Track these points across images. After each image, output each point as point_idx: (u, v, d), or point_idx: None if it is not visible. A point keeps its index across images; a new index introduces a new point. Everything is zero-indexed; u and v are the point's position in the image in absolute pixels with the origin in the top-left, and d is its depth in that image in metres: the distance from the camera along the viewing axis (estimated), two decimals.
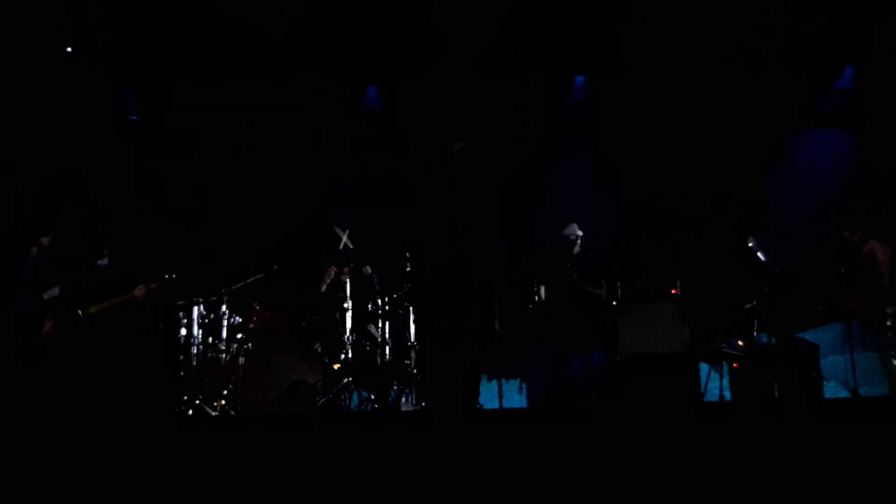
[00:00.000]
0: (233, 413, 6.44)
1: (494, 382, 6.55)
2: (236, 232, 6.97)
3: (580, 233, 6.17)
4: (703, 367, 6.75)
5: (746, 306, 6.31)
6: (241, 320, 6.86)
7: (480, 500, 1.92)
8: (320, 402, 6.27)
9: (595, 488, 1.91)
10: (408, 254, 5.81)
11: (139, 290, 5.52)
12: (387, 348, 6.57)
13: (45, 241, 5.45)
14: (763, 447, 1.98)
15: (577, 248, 6.08)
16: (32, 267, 5.37)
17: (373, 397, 6.20)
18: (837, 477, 1.92)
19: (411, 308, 5.63)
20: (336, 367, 6.64)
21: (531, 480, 1.94)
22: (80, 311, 5.33)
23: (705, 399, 6.46)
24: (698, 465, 1.93)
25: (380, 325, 6.62)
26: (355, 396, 6.29)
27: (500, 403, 6.51)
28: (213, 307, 6.75)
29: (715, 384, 6.62)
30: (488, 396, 6.97)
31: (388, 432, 2.10)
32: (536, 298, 6.15)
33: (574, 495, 1.91)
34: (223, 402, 6.39)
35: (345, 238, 6.67)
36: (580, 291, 5.81)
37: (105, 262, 5.56)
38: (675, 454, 1.95)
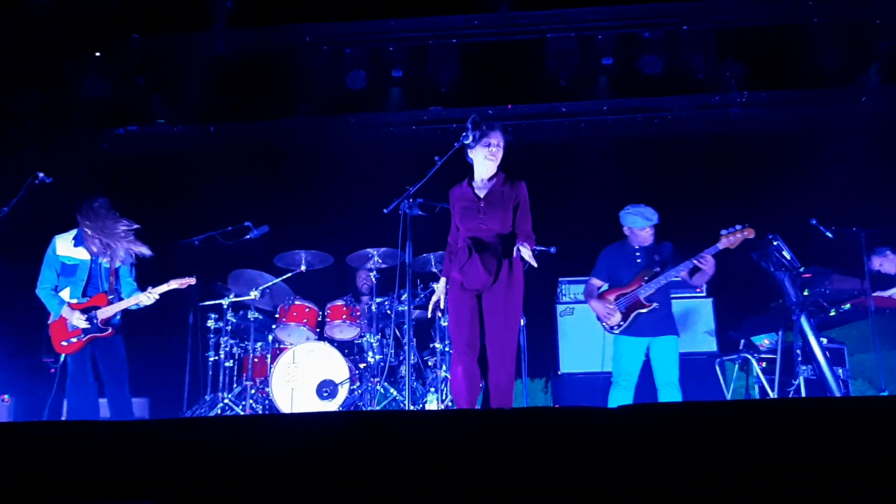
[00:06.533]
0: (259, 410, 6.53)
1: (519, 382, 6.57)
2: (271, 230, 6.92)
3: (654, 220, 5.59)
4: (729, 366, 6.72)
5: (773, 304, 6.26)
6: (268, 318, 6.94)
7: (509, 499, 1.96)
8: (346, 400, 6.33)
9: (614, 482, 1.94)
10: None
11: (146, 295, 5.45)
12: (413, 347, 6.59)
13: (59, 238, 5.51)
14: (788, 447, 1.99)
15: (649, 238, 5.62)
16: (49, 264, 5.46)
17: (399, 396, 6.25)
18: (860, 477, 1.93)
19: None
20: (362, 366, 6.70)
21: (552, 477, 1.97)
22: (96, 314, 5.37)
23: (730, 398, 6.44)
24: (721, 464, 1.95)
25: (406, 323, 6.63)
26: (381, 395, 6.34)
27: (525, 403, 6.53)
28: (241, 305, 6.83)
29: (741, 383, 6.60)
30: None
31: (414, 431, 2.14)
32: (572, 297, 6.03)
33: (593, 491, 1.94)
34: (251, 400, 6.48)
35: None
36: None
37: (132, 261, 5.61)
38: (698, 454, 1.97)
